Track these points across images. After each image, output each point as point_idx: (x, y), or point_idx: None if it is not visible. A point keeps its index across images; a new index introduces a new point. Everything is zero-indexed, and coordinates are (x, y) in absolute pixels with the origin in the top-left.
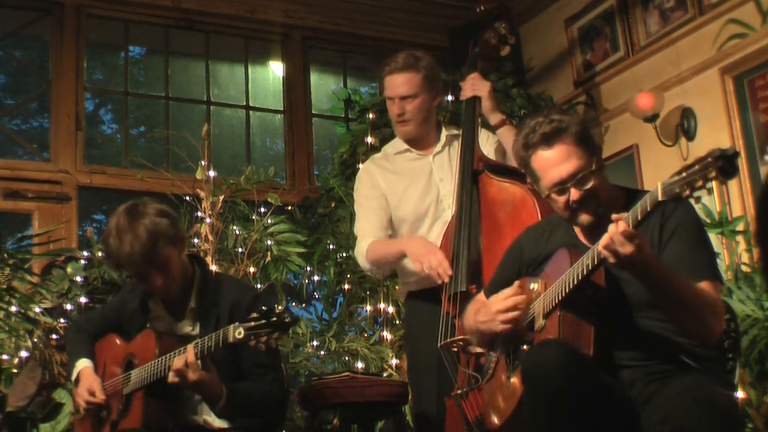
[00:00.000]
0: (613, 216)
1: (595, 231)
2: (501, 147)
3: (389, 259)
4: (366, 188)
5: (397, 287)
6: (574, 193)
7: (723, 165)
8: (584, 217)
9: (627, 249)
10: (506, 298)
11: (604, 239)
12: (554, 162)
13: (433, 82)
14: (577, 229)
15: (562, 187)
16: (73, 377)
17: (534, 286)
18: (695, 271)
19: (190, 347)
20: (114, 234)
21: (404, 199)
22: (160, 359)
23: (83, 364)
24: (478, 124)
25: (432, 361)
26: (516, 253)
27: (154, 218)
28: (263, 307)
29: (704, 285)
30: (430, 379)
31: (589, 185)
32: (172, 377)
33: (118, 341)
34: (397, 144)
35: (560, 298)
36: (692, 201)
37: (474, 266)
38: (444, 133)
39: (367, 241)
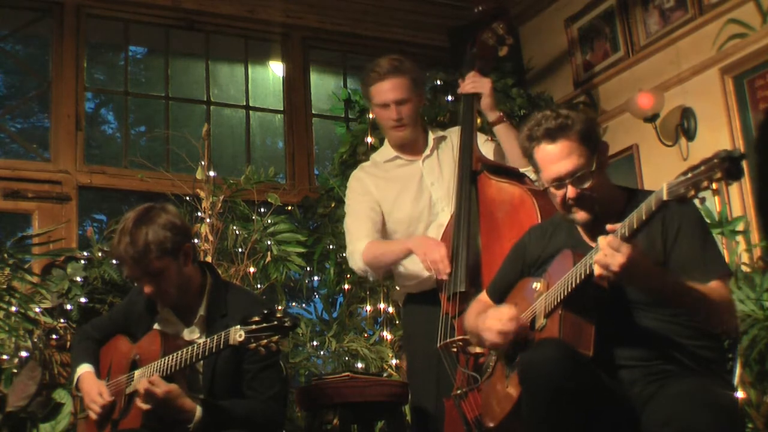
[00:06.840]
0: (608, 227)
1: (597, 230)
2: (500, 150)
3: (391, 258)
4: (357, 194)
5: (397, 287)
6: (571, 191)
7: (729, 166)
8: (580, 215)
9: (617, 259)
10: (505, 320)
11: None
12: (555, 157)
13: (419, 84)
14: (580, 229)
15: (560, 183)
16: (74, 382)
17: (536, 285)
18: (707, 270)
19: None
20: (118, 232)
21: (397, 205)
22: (163, 359)
23: (83, 369)
24: (476, 123)
25: (431, 362)
26: (519, 252)
27: (158, 229)
28: (265, 311)
29: (716, 283)
30: (429, 379)
31: (587, 185)
32: (140, 402)
33: (124, 342)
34: (385, 152)
35: (562, 297)
36: (696, 201)
37: (473, 266)
38: (431, 136)
39: (363, 242)
